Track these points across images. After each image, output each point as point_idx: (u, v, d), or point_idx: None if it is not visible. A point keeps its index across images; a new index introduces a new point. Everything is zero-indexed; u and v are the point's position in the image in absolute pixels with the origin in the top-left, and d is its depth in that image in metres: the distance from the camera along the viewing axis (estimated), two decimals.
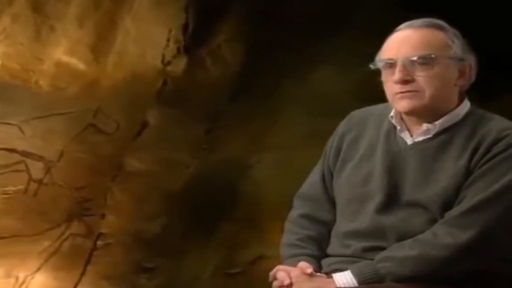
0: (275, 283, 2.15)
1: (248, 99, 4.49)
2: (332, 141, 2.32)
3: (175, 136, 4.50)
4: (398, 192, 2.13)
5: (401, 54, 2.12)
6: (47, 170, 4.28)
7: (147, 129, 4.48)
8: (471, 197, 2.04)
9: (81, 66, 4.29)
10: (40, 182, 4.27)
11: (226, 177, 4.47)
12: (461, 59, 2.15)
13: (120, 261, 4.43)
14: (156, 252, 4.46)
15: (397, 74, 2.12)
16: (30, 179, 4.26)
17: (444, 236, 2.02)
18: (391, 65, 2.14)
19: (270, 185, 4.38)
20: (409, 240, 2.06)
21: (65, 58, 4.26)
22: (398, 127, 2.19)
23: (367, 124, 2.27)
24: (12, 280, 4.22)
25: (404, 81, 2.12)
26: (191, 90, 4.50)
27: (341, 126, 2.32)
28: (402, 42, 2.15)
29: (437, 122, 2.14)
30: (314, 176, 2.33)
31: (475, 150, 2.08)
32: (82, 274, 4.38)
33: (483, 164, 2.07)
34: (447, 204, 2.07)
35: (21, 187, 4.24)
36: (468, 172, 2.07)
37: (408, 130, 2.18)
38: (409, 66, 2.12)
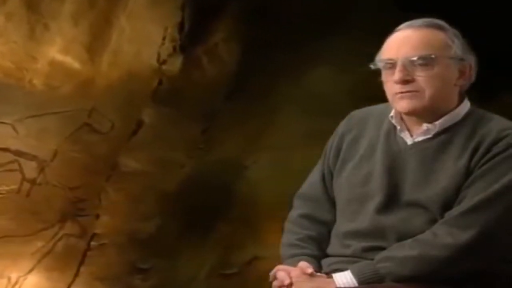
0: (275, 283, 2.17)
1: (245, 99, 4.51)
2: (332, 141, 2.33)
3: (170, 135, 4.51)
4: (398, 192, 2.14)
5: (401, 54, 2.14)
6: (41, 169, 4.29)
7: (142, 129, 4.49)
8: (471, 197, 2.06)
9: (75, 65, 4.30)
10: (33, 182, 4.28)
11: (222, 177, 4.48)
12: (461, 59, 2.16)
13: (114, 262, 4.44)
14: (151, 253, 4.47)
15: (397, 74, 2.13)
16: (24, 178, 4.27)
17: (444, 236, 2.04)
18: (391, 65, 2.16)
19: (266, 185, 4.39)
20: (409, 240, 2.08)
21: (59, 57, 4.27)
22: (398, 127, 2.20)
23: (367, 124, 2.28)
24: (5, 281, 4.22)
25: (404, 81, 2.13)
26: (187, 89, 4.52)
27: (341, 126, 2.33)
28: (402, 42, 2.16)
29: (437, 122, 2.16)
30: (314, 176, 2.35)
31: (475, 150, 2.10)
32: (76, 275, 4.38)
33: (483, 164, 2.08)
34: (447, 204, 2.08)
35: (14, 186, 4.25)
36: (468, 172, 2.09)
37: (408, 130, 2.20)
38: (409, 66, 2.13)
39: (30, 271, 4.29)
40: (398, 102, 2.16)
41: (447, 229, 2.05)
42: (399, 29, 2.21)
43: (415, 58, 2.13)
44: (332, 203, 2.29)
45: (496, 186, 2.06)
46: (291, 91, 4.44)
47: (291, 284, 2.11)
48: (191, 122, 4.55)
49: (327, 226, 2.27)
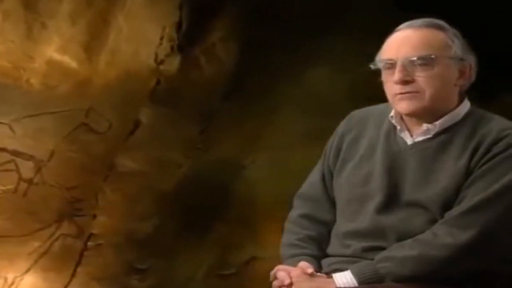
0: (275, 283, 2.17)
1: (243, 99, 4.51)
2: (332, 141, 2.34)
3: (168, 135, 4.51)
4: (398, 192, 2.15)
5: (401, 54, 2.15)
6: (38, 169, 4.29)
7: (140, 129, 4.49)
8: (471, 197, 2.07)
9: (73, 64, 4.31)
10: (30, 181, 4.29)
11: (220, 177, 4.48)
12: (461, 59, 2.17)
13: (111, 262, 4.44)
14: (148, 253, 4.47)
15: (397, 75, 2.14)
16: (20, 178, 4.28)
17: (444, 236, 2.05)
18: (391, 65, 2.17)
19: (264, 185, 4.39)
20: (409, 240, 2.09)
21: (57, 56, 4.27)
22: (398, 127, 2.21)
23: (367, 124, 2.29)
24: (1, 281, 4.23)
25: (404, 82, 2.14)
26: (184, 89, 4.52)
27: (341, 126, 2.34)
28: (402, 42, 2.17)
29: (437, 122, 2.17)
30: (314, 176, 2.36)
31: (475, 150, 2.11)
32: (72, 275, 4.38)
33: (483, 164, 2.09)
34: (447, 204, 2.09)
35: (10, 186, 4.25)
36: (468, 172, 2.10)
37: (408, 130, 2.21)
38: (409, 66, 2.14)
39: (27, 271, 4.29)
40: (398, 104, 2.17)
41: (447, 229, 2.06)
42: (399, 29, 2.21)
43: (415, 58, 2.13)
44: (332, 203, 2.30)
45: (496, 186, 2.07)
46: (290, 91, 4.45)
47: (291, 284, 2.12)
48: (189, 122, 4.55)
49: (327, 226, 2.28)
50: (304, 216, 2.31)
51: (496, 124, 2.15)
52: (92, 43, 4.31)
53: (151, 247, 4.45)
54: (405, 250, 2.08)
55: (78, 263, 4.39)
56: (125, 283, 4.47)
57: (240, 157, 4.52)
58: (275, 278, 2.18)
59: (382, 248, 2.12)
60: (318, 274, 2.15)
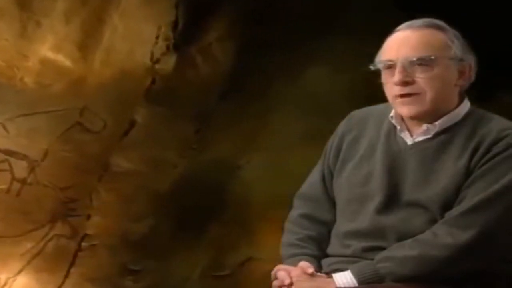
0: (275, 283, 2.20)
1: (239, 99, 4.52)
2: (332, 141, 2.37)
3: (163, 135, 4.51)
4: (398, 192, 2.18)
5: (401, 55, 2.17)
6: (31, 169, 4.29)
7: (135, 128, 4.49)
8: (471, 197, 2.10)
9: (67, 63, 4.31)
10: (23, 181, 4.29)
11: (215, 178, 4.49)
12: (461, 60, 2.20)
13: (105, 263, 4.44)
14: (142, 254, 4.47)
15: (397, 76, 2.17)
16: (13, 178, 4.27)
17: (444, 236, 2.08)
18: (391, 66, 2.19)
19: (260, 186, 4.40)
20: (409, 240, 2.11)
21: (51, 55, 4.28)
22: (398, 127, 2.24)
23: (367, 124, 2.32)
24: None
25: (404, 83, 2.17)
26: (180, 88, 4.52)
27: (341, 126, 2.37)
28: (402, 43, 2.19)
29: (437, 122, 2.19)
30: (314, 176, 2.38)
31: (475, 150, 2.14)
32: (66, 276, 4.38)
33: (483, 164, 2.12)
34: (447, 204, 2.12)
35: (3, 186, 4.25)
36: (468, 172, 2.12)
37: (408, 130, 2.23)
38: (408, 67, 2.16)
39: (19, 272, 4.29)
40: (399, 107, 2.20)
41: (447, 229, 2.08)
42: (399, 30, 2.24)
43: (414, 59, 2.16)
44: (332, 203, 2.33)
45: (496, 186, 2.09)
46: (287, 91, 4.45)
47: (291, 283, 2.15)
48: (185, 121, 4.56)
49: (327, 226, 2.31)
50: (304, 216, 2.33)
51: (496, 124, 2.18)
52: (87, 42, 4.31)
53: (145, 248, 4.45)
54: (405, 250, 2.10)
55: (71, 264, 4.39)
56: (119, 284, 4.47)
57: (236, 158, 4.52)
58: (275, 277, 2.20)
59: (382, 248, 2.14)
60: (318, 274, 2.17)
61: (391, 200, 2.18)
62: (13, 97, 4.22)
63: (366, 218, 2.20)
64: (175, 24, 4.50)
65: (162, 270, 4.45)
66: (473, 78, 2.25)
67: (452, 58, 2.19)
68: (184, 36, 4.50)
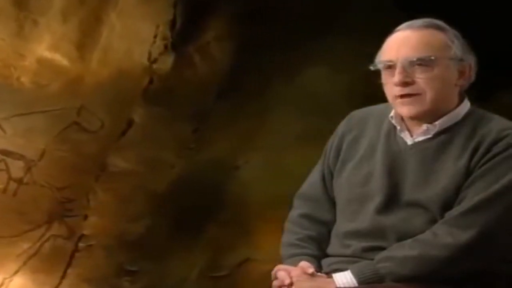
0: (275, 283, 2.21)
1: (237, 98, 4.53)
2: (332, 141, 2.38)
3: (161, 135, 4.52)
4: (398, 192, 2.19)
5: (401, 55, 2.18)
6: (28, 169, 4.30)
7: (132, 128, 4.50)
8: (471, 197, 2.11)
9: (64, 62, 4.31)
10: (20, 181, 4.29)
11: (213, 178, 4.49)
12: (461, 60, 2.21)
13: (102, 264, 4.44)
14: (139, 255, 4.48)
15: (397, 77, 2.18)
16: (10, 178, 4.28)
17: (444, 236, 2.09)
18: (391, 66, 2.21)
19: (258, 186, 4.41)
20: (409, 240, 2.13)
21: (48, 54, 4.28)
22: (398, 127, 2.25)
23: (367, 124, 2.33)
24: None
25: (404, 83, 2.18)
26: (178, 88, 4.53)
27: (341, 126, 2.38)
28: (402, 43, 2.21)
29: (437, 122, 2.21)
30: (314, 176, 2.39)
31: (475, 150, 2.15)
32: (62, 277, 4.39)
33: (483, 164, 2.13)
34: (447, 204, 2.13)
35: (0, 186, 4.26)
36: (468, 172, 2.14)
37: (408, 130, 2.25)
38: (408, 67, 2.18)
39: (16, 273, 4.29)
40: (399, 107, 2.21)
41: (447, 229, 2.10)
42: (399, 30, 2.25)
43: (414, 59, 2.17)
44: (332, 203, 2.34)
45: (496, 186, 2.11)
46: (285, 91, 4.46)
47: (291, 283, 2.16)
48: (182, 121, 4.56)
49: (327, 226, 2.32)
50: (304, 216, 2.35)
51: (496, 124, 2.19)
52: (84, 41, 4.32)
53: (143, 248, 4.46)
54: (405, 250, 2.11)
55: (68, 265, 4.39)
56: (116, 285, 4.47)
57: (234, 158, 4.53)
58: (276, 277, 2.21)
59: (382, 248, 2.16)
60: (319, 274, 2.18)
61: (391, 200, 2.19)
62: (10, 97, 4.22)
63: (366, 218, 2.21)
64: (173, 23, 4.51)
65: (159, 271, 4.45)
66: (473, 78, 2.26)
67: (452, 58, 2.20)
68: (182, 35, 4.51)
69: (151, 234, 4.47)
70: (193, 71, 4.55)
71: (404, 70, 2.18)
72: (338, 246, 2.25)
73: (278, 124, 4.46)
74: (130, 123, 4.50)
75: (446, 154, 2.18)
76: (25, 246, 4.30)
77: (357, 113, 2.39)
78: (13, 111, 4.23)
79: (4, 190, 4.26)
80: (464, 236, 2.08)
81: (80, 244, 4.42)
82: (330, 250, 2.28)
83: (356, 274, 2.13)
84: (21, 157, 4.28)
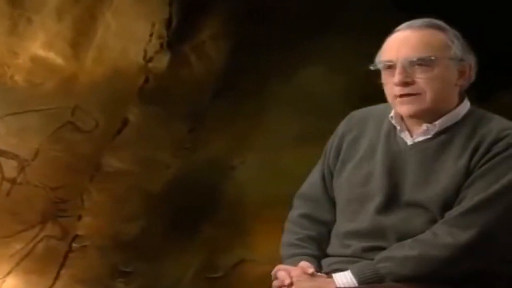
0: (275, 283, 2.23)
1: (233, 98, 4.54)
2: (332, 141, 2.40)
3: (156, 135, 4.52)
4: (398, 192, 2.22)
5: (401, 55, 2.21)
6: (21, 169, 4.30)
7: (127, 128, 4.50)
8: (471, 197, 2.14)
9: (59, 60, 4.31)
10: (13, 181, 4.30)
11: (209, 178, 4.50)
12: (461, 60, 2.24)
13: (96, 264, 4.45)
14: (134, 255, 4.48)
15: (397, 77, 2.21)
16: (3, 178, 4.28)
17: (444, 236, 2.12)
18: (391, 66, 2.23)
19: (254, 186, 4.42)
20: (409, 240, 2.15)
21: (42, 52, 4.28)
22: (398, 128, 2.28)
23: (367, 125, 2.36)
24: None
25: (404, 84, 2.21)
26: (174, 87, 4.54)
27: (341, 126, 2.41)
28: (402, 43, 2.23)
29: (437, 122, 2.23)
30: (314, 176, 2.42)
31: (475, 150, 2.18)
32: (56, 278, 4.39)
33: (483, 164, 2.16)
34: (447, 204, 2.16)
35: None
36: (468, 172, 2.17)
37: (408, 130, 2.27)
38: (408, 67, 2.20)
39: (8, 273, 4.29)
40: (399, 107, 2.23)
41: (447, 229, 2.12)
42: (399, 30, 2.27)
43: (414, 59, 2.19)
44: (332, 203, 2.36)
45: (496, 186, 2.13)
46: (282, 91, 4.47)
47: (291, 283, 2.18)
48: (178, 121, 4.57)
49: (327, 226, 2.34)
50: (304, 216, 2.37)
51: (496, 124, 2.22)
52: (79, 40, 4.31)
53: (137, 249, 4.46)
54: (405, 250, 2.14)
55: (62, 265, 4.39)
56: (110, 286, 4.47)
57: (230, 158, 4.54)
58: (276, 277, 2.24)
59: (382, 248, 2.18)
60: (319, 274, 2.20)
61: (391, 200, 2.22)
62: (3, 95, 4.22)
63: (366, 218, 2.24)
64: (168, 22, 4.51)
65: (154, 272, 4.46)
66: (473, 78, 2.28)
67: (452, 58, 2.22)
68: (178, 34, 4.52)
69: (146, 235, 4.48)
70: (189, 70, 4.56)
71: (404, 70, 2.20)
72: (338, 246, 2.28)
73: (274, 124, 4.47)
74: (125, 123, 4.49)
75: (446, 154, 2.21)
76: (18, 246, 4.31)
77: (357, 113, 2.42)
78: (7, 110, 4.23)
79: None
80: (464, 236, 2.11)
81: (74, 245, 4.42)
82: (330, 250, 2.31)
83: (356, 274, 2.16)
84: (14, 156, 4.28)
